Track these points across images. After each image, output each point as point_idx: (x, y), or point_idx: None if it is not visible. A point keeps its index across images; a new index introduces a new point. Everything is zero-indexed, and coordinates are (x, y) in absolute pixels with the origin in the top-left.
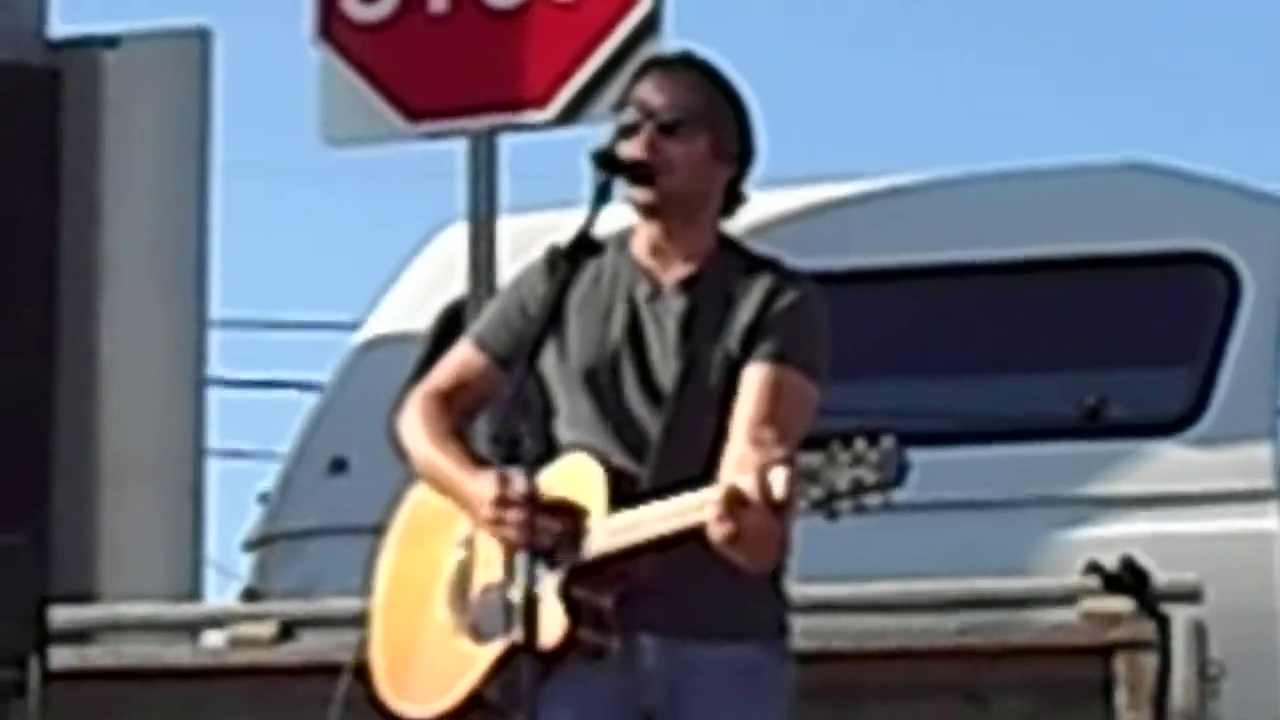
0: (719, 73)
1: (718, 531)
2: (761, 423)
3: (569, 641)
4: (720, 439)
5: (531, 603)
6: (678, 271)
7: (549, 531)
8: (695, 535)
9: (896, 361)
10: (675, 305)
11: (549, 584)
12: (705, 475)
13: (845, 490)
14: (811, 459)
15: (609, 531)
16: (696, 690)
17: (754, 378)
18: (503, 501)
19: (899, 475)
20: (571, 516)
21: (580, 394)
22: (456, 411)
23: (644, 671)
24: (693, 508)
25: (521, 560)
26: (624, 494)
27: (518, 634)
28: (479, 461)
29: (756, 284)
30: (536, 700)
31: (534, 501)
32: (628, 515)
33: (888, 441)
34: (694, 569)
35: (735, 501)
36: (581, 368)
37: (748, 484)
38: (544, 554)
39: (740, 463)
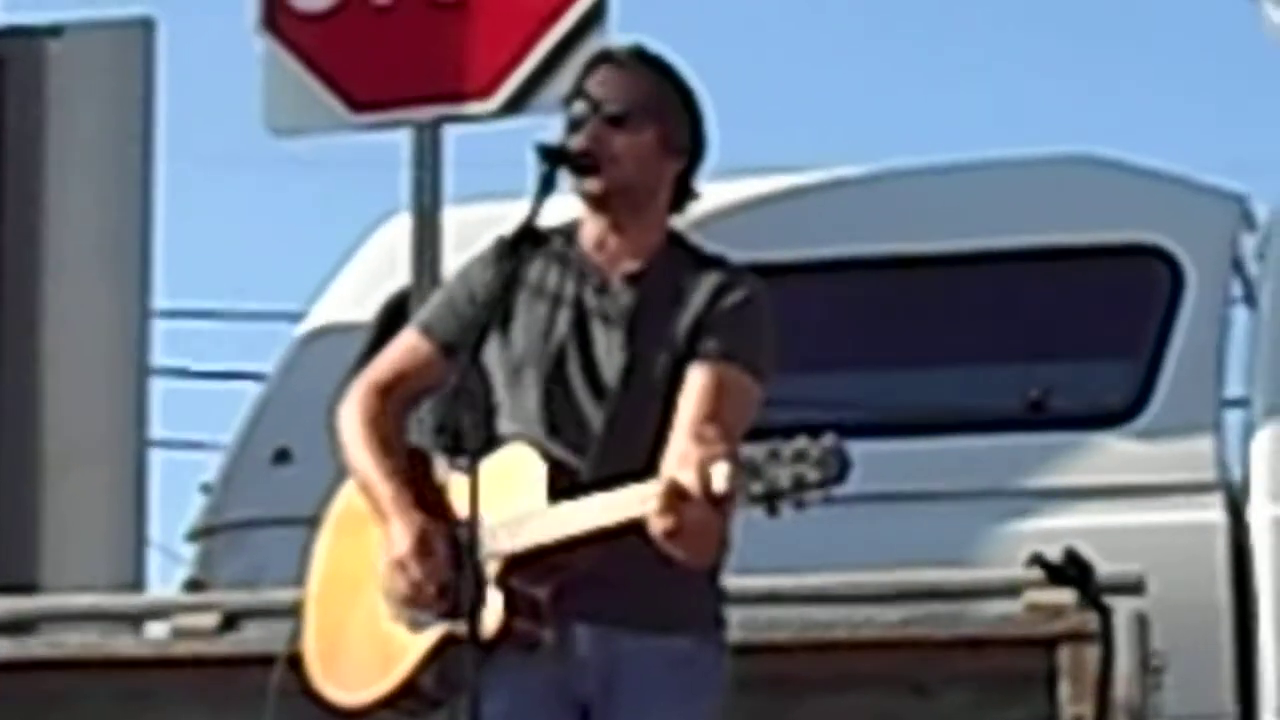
0: (669, 66)
1: (658, 525)
2: (705, 420)
3: (504, 632)
4: (663, 435)
5: (475, 594)
6: (625, 266)
7: (435, 607)
8: (635, 529)
9: (841, 353)
10: (622, 300)
11: (487, 573)
12: (647, 470)
13: (787, 487)
14: (754, 454)
15: (546, 523)
16: (629, 680)
17: (698, 376)
18: (401, 565)
19: (841, 472)
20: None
21: (523, 386)
22: (398, 401)
23: (577, 660)
24: (633, 501)
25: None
26: (564, 486)
27: (462, 625)
28: (409, 489)
29: (704, 281)
30: (478, 689)
31: (436, 578)
32: (566, 506)
33: (829, 439)
34: (631, 560)
35: (676, 496)
36: (525, 360)
37: (689, 479)
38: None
39: (682, 458)
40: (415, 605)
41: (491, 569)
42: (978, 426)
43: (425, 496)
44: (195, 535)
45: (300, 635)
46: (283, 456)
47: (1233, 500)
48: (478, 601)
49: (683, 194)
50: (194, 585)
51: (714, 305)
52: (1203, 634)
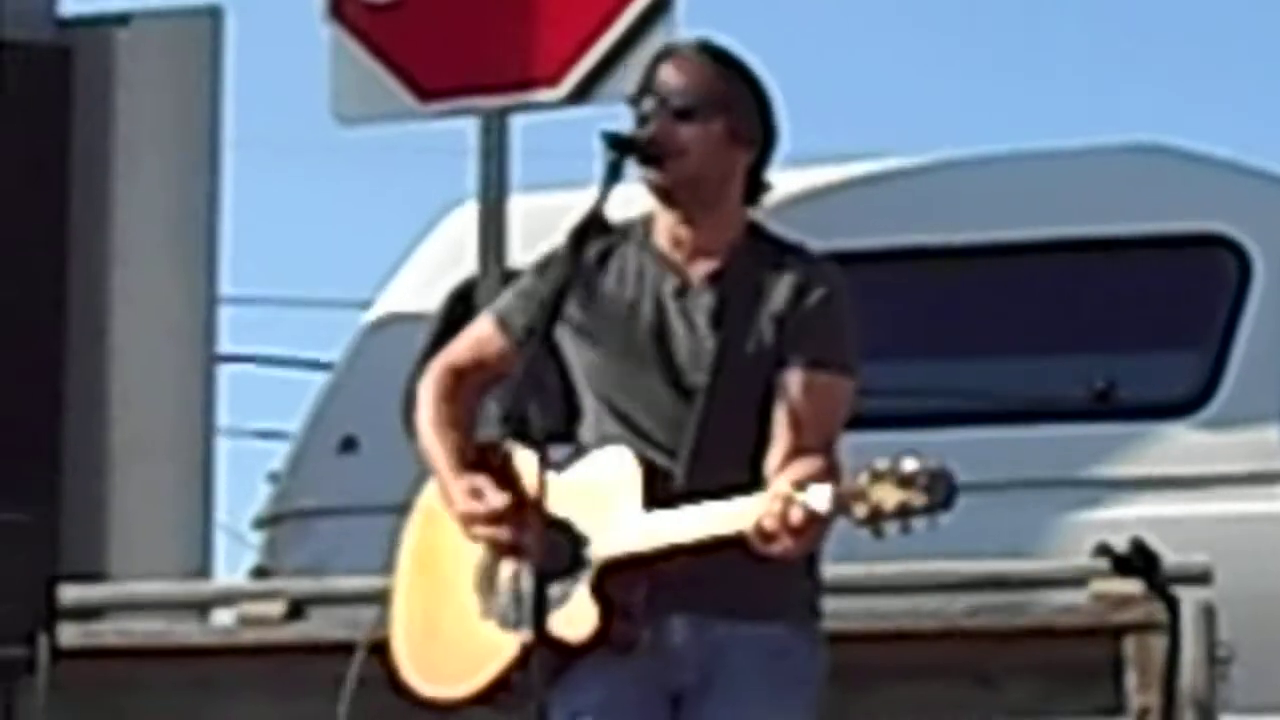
0: (736, 58)
1: (760, 546)
2: (803, 428)
3: (599, 636)
4: (759, 437)
5: (540, 601)
6: (704, 265)
7: (527, 548)
8: (735, 541)
9: (907, 343)
10: (703, 300)
11: (583, 578)
12: (746, 476)
13: (891, 512)
14: (860, 478)
15: (643, 531)
16: (724, 669)
17: (790, 382)
18: (469, 518)
19: (947, 499)
20: (553, 525)
21: (608, 391)
22: (471, 389)
23: (673, 651)
24: (734, 518)
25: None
26: (660, 492)
27: (553, 626)
28: (466, 459)
29: (785, 278)
30: (546, 698)
31: (500, 515)
32: (665, 516)
33: (935, 463)
34: (724, 553)
35: (778, 522)
36: (609, 364)
37: (789, 508)
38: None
39: (782, 482)
40: (502, 554)
41: (586, 575)
42: (1044, 416)
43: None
44: (262, 523)
45: (384, 623)
46: (349, 445)
47: None
48: (542, 615)
49: (755, 186)
50: (260, 573)
51: (797, 305)
52: (1269, 624)
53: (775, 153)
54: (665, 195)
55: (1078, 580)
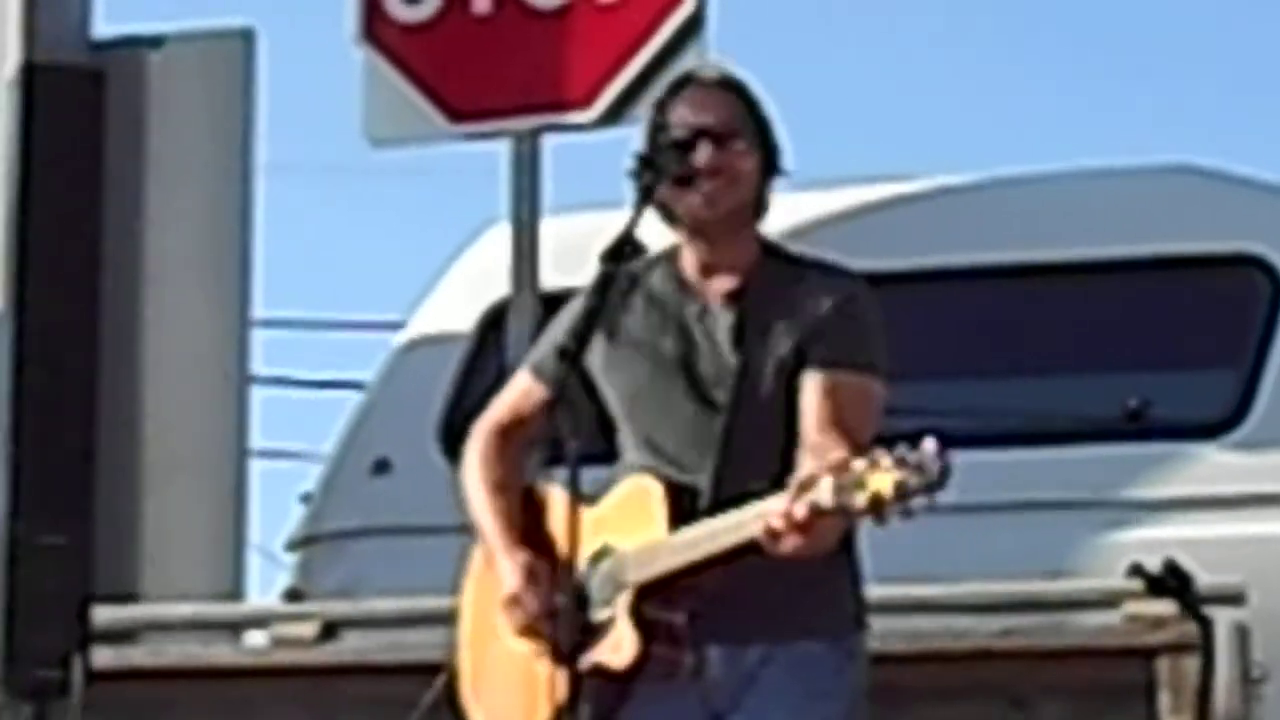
0: (751, 91)
1: (770, 547)
2: (822, 430)
3: (642, 660)
4: (788, 449)
5: (580, 625)
6: (723, 285)
7: (558, 634)
8: (756, 548)
9: (940, 362)
10: (725, 319)
11: (620, 603)
12: (772, 487)
13: (890, 496)
14: (856, 465)
15: (671, 549)
16: (753, 689)
17: (810, 386)
18: (514, 601)
19: (942, 477)
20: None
21: (638, 417)
22: (516, 446)
23: (711, 682)
24: (749, 522)
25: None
26: (685, 510)
27: (598, 655)
28: (516, 527)
29: (803, 288)
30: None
31: (547, 605)
32: (689, 531)
33: (929, 444)
34: (759, 577)
35: (784, 520)
36: (639, 393)
37: (792, 504)
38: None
39: (796, 475)
40: (535, 638)
41: (623, 600)
42: (1077, 436)
43: (540, 535)
44: (295, 545)
45: (455, 649)
46: (382, 466)
47: None
48: (576, 631)
49: (761, 210)
50: (293, 595)
51: (815, 313)
52: None
53: (777, 178)
54: (701, 224)
55: (1111, 601)
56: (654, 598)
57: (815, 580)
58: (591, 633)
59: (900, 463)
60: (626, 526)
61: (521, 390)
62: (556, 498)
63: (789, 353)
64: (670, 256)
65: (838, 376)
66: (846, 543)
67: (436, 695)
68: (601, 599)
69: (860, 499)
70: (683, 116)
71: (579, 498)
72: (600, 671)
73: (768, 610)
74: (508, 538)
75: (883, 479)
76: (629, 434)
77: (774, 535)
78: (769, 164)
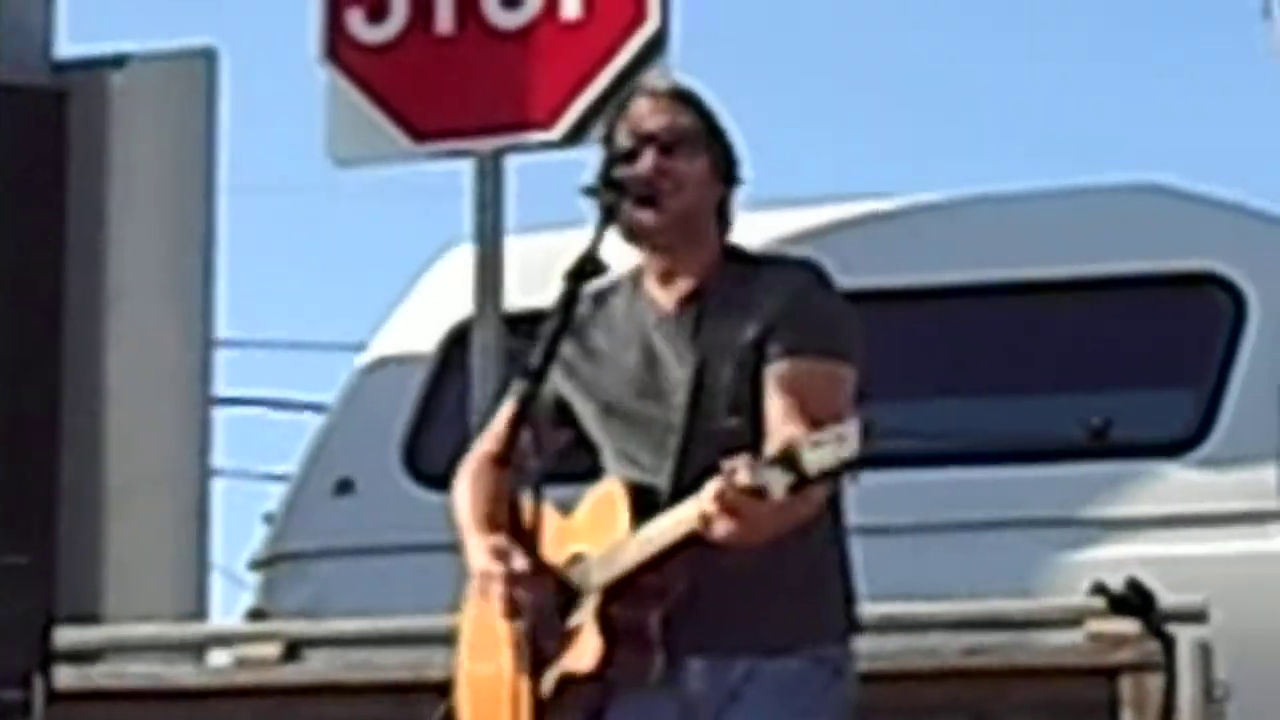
0: (702, 99)
1: (706, 532)
2: (785, 421)
3: (605, 663)
4: (758, 443)
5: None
6: (681, 290)
7: (532, 607)
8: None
9: (901, 382)
10: (682, 321)
11: (587, 607)
12: None
13: (813, 474)
14: (777, 446)
15: (628, 548)
16: (738, 707)
17: (770, 378)
18: (485, 576)
19: (861, 451)
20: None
21: (611, 431)
22: (516, 461)
23: (690, 695)
24: (693, 511)
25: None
26: (646, 510)
27: (565, 663)
28: (495, 526)
29: (759, 283)
30: None
31: (517, 576)
32: (646, 529)
33: (851, 420)
34: (735, 585)
35: (716, 504)
36: (607, 406)
37: (716, 486)
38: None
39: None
40: (514, 615)
41: (589, 604)
42: (1040, 455)
43: (521, 545)
44: (258, 565)
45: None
46: (345, 487)
47: None
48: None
49: (725, 222)
50: (256, 615)
51: (772, 305)
52: (1266, 663)
53: (738, 189)
54: (651, 235)
55: (1074, 620)
56: (621, 599)
57: (801, 591)
58: (565, 641)
59: (822, 442)
60: (595, 533)
61: (510, 418)
62: (545, 512)
63: (748, 347)
64: (636, 273)
65: (798, 365)
66: (840, 555)
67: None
68: (572, 606)
69: (784, 479)
70: (630, 126)
71: (539, 514)
72: (570, 679)
73: (744, 623)
74: (482, 528)
75: (809, 457)
76: (606, 449)
77: (706, 520)
78: (725, 172)
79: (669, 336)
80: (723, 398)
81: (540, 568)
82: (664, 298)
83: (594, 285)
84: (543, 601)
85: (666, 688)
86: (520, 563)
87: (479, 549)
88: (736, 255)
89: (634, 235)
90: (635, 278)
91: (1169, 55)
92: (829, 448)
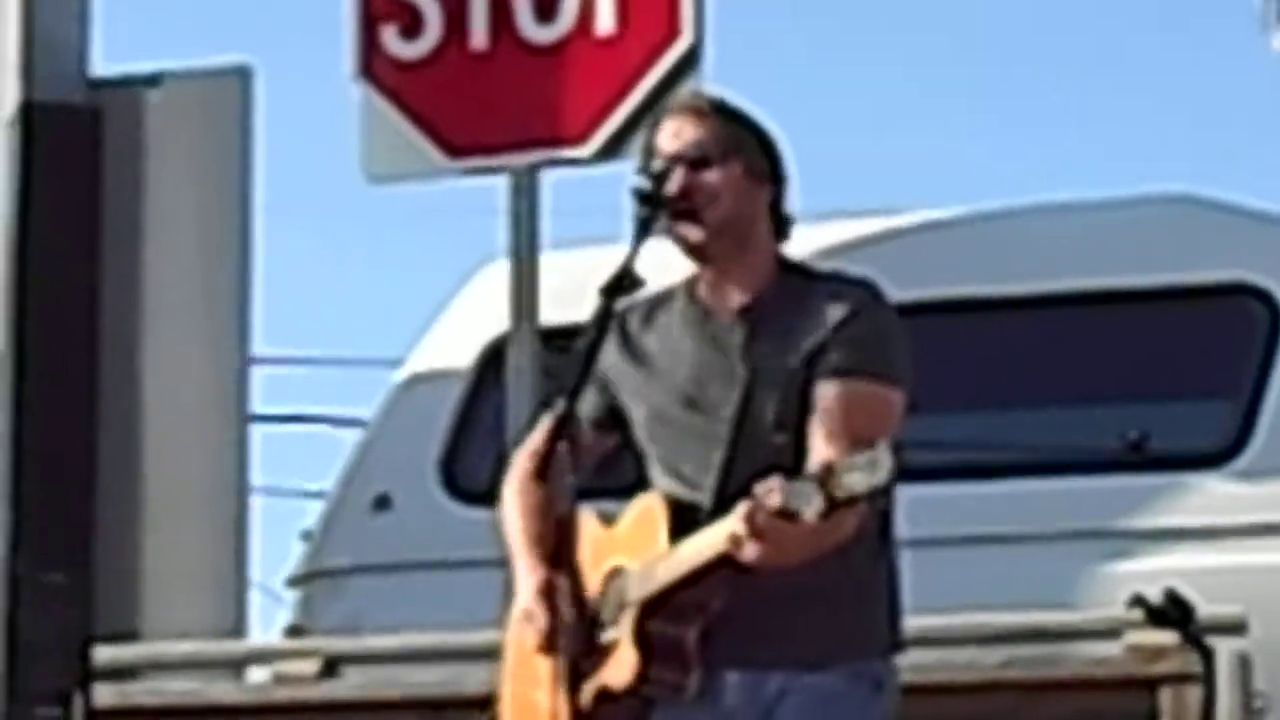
0: (731, 105)
1: (735, 553)
2: (828, 441)
3: (641, 679)
4: (803, 460)
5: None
6: (735, 302)
7: (568, 639)
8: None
9: (941, 395)
10: (736, 335)
11: (624, 623)
12: None
13: (842, 499)
14: (810, 472)
15: (667, 564)
16: None
17: (820, 395)
18: (527, 616)
19: (891, 478)
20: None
21: (659, 441)
22: (553, 475)
23: (725, 710)
24: (724, 532)
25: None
26: (687, 525)
27: (602, 677)
28: (543, 551)
29: (815, 300)
30: None
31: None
32: (684, 545)
33: (882, 447)
34: (775, 601)
35: (739, 537)
36: (657, 416)
37: (742, 513)
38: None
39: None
40: (550, 653)
41: (627, 619)
42: (1078, 468)
43: (569, 561)
44: (296, 582)
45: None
46: (383, 503)
47: None
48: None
49: (781, 222)
50: (294, 631)
51: (826, 323)
52: None
53: (789, 187)
54: (700, 249)
55: (1112, 632)
56: (659, 614)
57: (839, 606)
58: (602, 655)
59: (853, 468)
60: (635, 547)
61: (544, 433)
62: (585, 524)
63: (799, 364)
64: (691, 282)
65: (846, 385)
66: (888, 570)
67: None
68: (610, 619)
69: (815, 504)
70: (660, 147)
71: (572, 530)
72: (607, 694)
73: (783, 638)
74: (530, 557)
75: (838, 483)
76: (653, 459)
77: (736, 542)
78: (766, 171)
79: (721, 349)
80: (770, 414)
81: (579, 596)
82: (717, 309)
83: (647, 294)
84: (580, 646)
85: (703, 702)
86: (564, 606)
87: (527, 581)
88: (792, 268)
89: (687, 249)
90: (689, 287)
91: (1170, 58)
92: (861, 473)
